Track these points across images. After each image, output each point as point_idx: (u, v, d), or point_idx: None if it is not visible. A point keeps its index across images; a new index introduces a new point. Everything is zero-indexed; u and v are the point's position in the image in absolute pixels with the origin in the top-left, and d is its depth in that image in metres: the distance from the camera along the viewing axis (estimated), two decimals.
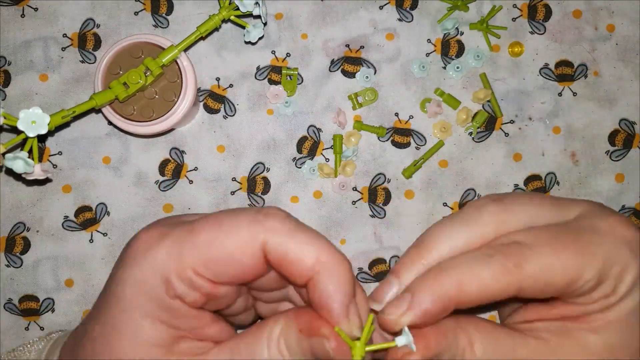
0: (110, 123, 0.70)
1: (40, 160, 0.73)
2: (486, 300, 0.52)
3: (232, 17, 0.69)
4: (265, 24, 0.72)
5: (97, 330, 0.54)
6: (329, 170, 0.73)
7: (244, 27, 0.70)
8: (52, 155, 0.74)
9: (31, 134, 0.59)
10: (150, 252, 0.52)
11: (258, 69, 0.74)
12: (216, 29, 0.71)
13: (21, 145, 0.61)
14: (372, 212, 0.74)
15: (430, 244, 0.56)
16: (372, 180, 0.74)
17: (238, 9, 0.68)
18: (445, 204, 0.74)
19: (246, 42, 0.74)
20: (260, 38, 0.72)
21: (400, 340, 0.51)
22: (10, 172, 0.64)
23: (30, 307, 0.73)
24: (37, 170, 0.62)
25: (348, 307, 0.51)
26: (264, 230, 0.51)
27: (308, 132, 0.74)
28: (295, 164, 0.74)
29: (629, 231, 0.54)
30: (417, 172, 0.74)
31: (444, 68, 0.75)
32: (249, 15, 0.69)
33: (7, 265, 0.73)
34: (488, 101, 0.74)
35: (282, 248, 0.51)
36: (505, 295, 0.52)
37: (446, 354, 0.53)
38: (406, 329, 0.51)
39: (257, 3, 0.68)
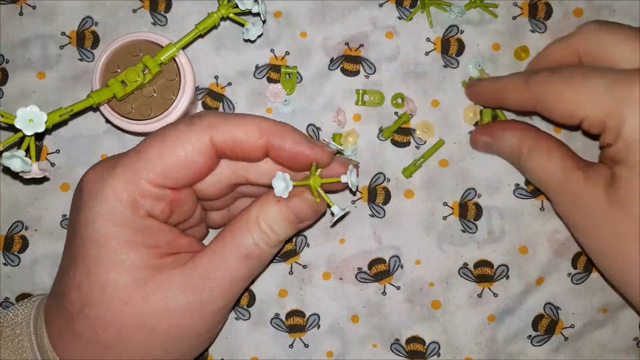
0: (108, 121, 0.70)
1: (38, 158, 0.73)
2: (515, 105, 0.68)
3: (231, 15, 0.69)
4: (264, 22, 0.72)
5: (78, 276, 0.57)
6: None
7: (242, 25, 0.70)
8: (50, 153, 0.73)
9: (28, 133, 0.59)
10: (108, 184, 0.56)
11: (257, 67, 0.74)
12: (215, 27, 0.71)
13: (18, 143, 0.61)
14: (372, 211, 0.73)
15: (538, 60, 0.72)
16: (372, 179, 0.73)
17: (237, 6, 0.68)
18: (445, 204, 0.73)
19: (245, 40, 0.74)
20: (259, 36, 0.71)
21: (344, 178, 0.61)
22: (7, 170, 0.63)
23: None
24: (34, 169, 0.62)
25: (313, 143, 0.59)
26: (206, 128, 0.56)
27: (307, 131, 0.74)
28: None
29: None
30: (417, 171, 0.73)
31: (444, 66, 0.74)
32: (248, 13, 0.68)
33: (5, 264, 0.73)
34: None
35: (228, 135, 0.57)
36: (524, 105, 0.66)
37: (505, 149, 0.71)
38: (352, 170, 0.61)
39: (256, 1, 0.67)
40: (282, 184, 0.58)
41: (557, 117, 0.62)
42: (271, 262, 0.72)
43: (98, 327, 0.56)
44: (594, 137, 0.72)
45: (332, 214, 0.61)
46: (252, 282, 0.72)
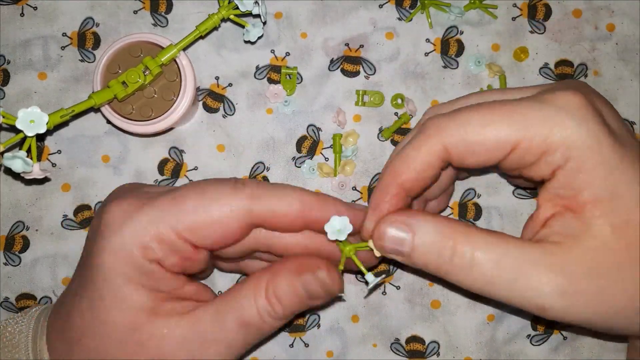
0: (109, 122, 0.70)
1: (39, 159, 0.73)
2: (422, 170, 0.55)
3: (232, 16, 0.69)
4: (264, 23, 0.72)
5: (84, 303, 0.56)
6: (328, 170, 0.73)
7: (243, 26, 0.70)
8: (51, 154, 0.74)
9: (30, 133, 0.59)
10: (131, 220, 0.54)
11: (257, 68, 0.74)
12: (215, 28, 0.71)
13: (20, 144, 0.61)
14: None
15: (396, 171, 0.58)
16: (372, 179, 0.74)
17: (237, 8, 0.68)
18: None
19: (245, 42, 0.74)
20: (259, 37, 0.71)
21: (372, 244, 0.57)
22: (9, 171, 0.64)
23: (27, 305, 0.73)
24: (35, 170, 0.62)
25: (356, 209, 0.58)
26: (248, 197, 0.55)
27: (307, 132, 0.74)
28: (295, 164, 0.74)
29: (575, 98, 0.52)
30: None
31: (444, 67, 0.74)
32: (249, 14, 0.69)
33: (5, 264, 0.73)
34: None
35: (269, 206, 0.55)
36: (435, 160, 0.55)
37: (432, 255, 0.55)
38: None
39: (256, 2, 0.67)
40: (337, 224, 0.56)
41: (480, 153, 0.54)
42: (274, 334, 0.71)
43: (94, 358, 0.56)
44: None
45: (367, 283, 0.58)
46: (252, 349, 0.72)
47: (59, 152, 0.74)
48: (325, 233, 0.56)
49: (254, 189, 0.56)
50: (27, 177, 0.62)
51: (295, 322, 0.73)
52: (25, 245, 0.73)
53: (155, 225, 0.54)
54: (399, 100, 0.74)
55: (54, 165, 0.73)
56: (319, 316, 0.73)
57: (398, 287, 0.73)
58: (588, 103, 0.52)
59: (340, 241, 0.57)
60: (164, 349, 0.55)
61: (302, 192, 0.57)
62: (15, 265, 0.73)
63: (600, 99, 0.57)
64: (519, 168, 0.55)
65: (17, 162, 0.59)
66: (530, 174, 0.54)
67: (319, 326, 0.73)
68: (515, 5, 0.75)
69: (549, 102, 0.52)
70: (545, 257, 0.52)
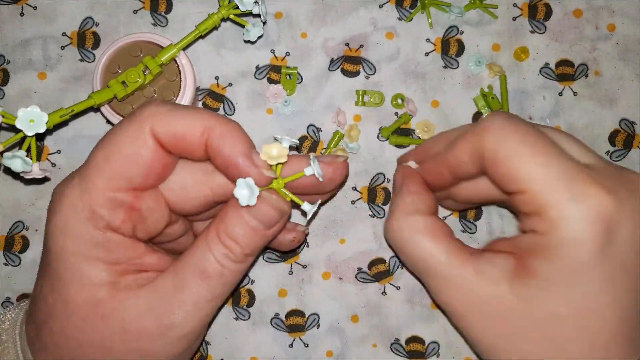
0: (108, 122, 0.70)
1: (39, 159, 0.73)
2: (461, 163, 0.58)
3: (232, 16, 0.69)
4: (264, 23, 0.72)
5: (45, 287, 0.56)
6: None
7: (243, 26, 0.70)
8: (50, 154, 0.74)
9: (29, 133, 0.59)
10: (65, 196, 0.55)
11: (257, 68, 0.74)
12: (215, 28, 0.71)
13: (19, 144, 0.61)
14: (372, 211, 0.73)
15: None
16: (372, 179, 0.74)
17: (237, 7, 0.68)
18: None
19: (245, 41, 0.74)
20: (259, 37, 0.71)
21: (308, 170, 0.56)
22: (8, 171, 0.63)
23: None
24: (35, 169, 0.62)
25: (250, 156, 0.55)
26: (146, 119, 0.54)
27: (307, 132, 0.74)
28: None
29: (599, 196, 0.52)
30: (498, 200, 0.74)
31: (444, 67, 0.74)
32: (249, 14, 0.69)
33: (6, 264, 0.73)
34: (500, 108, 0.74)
35: (170, 127, 0.54)
36: (472, 159, 0.57)
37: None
38: (314, 159, 0.56)
39: (256, 2, 0.68)
40: (245, 191, 0.54)
41: (496, 173, 0.55)
42: (243, 278, 0.70)
43: (60, 341, 0.56)
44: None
45: (305, 214, 0.58)
46: (225, 303, 0.71)
47: (59, 152, 0.74)
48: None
49: (154, 108, 0.55)
50: (27, 176, 0.62)
51: (295, 322, 0.73)
52: (25, 245, 0.73)
53: (86, 191, 0.54)
54: (399, 100, 0.74)
55: (53, 165, 0.73)
56: (318, 316, 0.73)
57: (398, 288, 0.73)
58: (613, 212, 0.52)
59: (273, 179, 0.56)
60: (129, 319, 0.55)
61: (207, 115, 0.55)
62: (15, 266, 0.73)
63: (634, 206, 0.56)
64: (517, 208, 0.57)
65: (17, 161, 0.59)
66: (520, 219, 0.57)
67: (318, 326, 0.73)
68: (515, 5, 0.75)
69: (578, 185, 0.53)
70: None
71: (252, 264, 0.72)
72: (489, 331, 0.57)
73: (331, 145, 0.73)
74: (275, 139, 0.56)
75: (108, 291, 0.55)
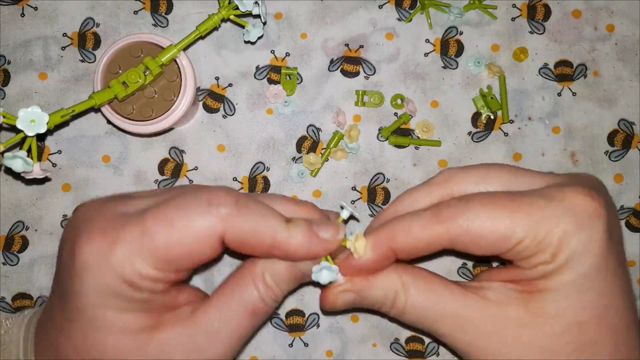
0: (109, 122, 0.70)
1: (40, 159, 0.73)
2: (422, 248, 0.57)
3: (232, 17, 0.69)
4: (264, 24, 0.72)
5: (74, 336, 0.55)
6: (314, 160, 0.73)
7: (243, 27, 0.70)
8: (51, 154, 0.74)
9: (30, 133, 0.59)
10: (107, 262, 0.53)
11: (257, 68, 0.74)
12: (216, 29, 0.71)
13: (20, 144, 0.61)
14: (371, 211, 0.74)
15: (397, 206, 0.62)
16: (371, 180, 0.74)
17: (237, 8, 0.68)
18: None
19: (246, 42, 0.74)
20: (259, 37, 0.71)
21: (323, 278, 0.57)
22: (9, 171, 0.64)
23: (24, 305, 0.73)
24: (36, 169, 0.62)
25: (321, 243, 0.56)
26: (219, 222, 0.53)
27: (307, 132, 0.74)
28: (295, 164, 0.74)
29: (582, 201, 0.53)
30: (416, 172, 0.73)
31: (444, 67, 0.75)
32: (249, 14, 0.69)
33: (4, 263, 0.73)
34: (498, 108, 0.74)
35: (240, 235, 0.54)
36: (438, 244, 0.56)
37: (377, 294, 0.59)
38: (330, 264, 0.57)
39: (256, 2, 0.68)
40: (327, 276, 0.57)
41: (482, 246, 0.55)
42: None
43: None
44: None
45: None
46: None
47: (60, 152, 0.74)
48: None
49: (228, 209, 0.54)
50: (28, 176, 0.62)
51: (295, 321, 0.73)
52: (24, 245, 0.73)
53: (132, 264, 0.53)
54: (399, 101, 0.74)
55: (54, 165, 0.73)
56: (318, 316, 0.73)
57: None
58: (598, 209, 0.54)
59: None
60: (172, 357, 0.55)
61: (275, 225, 0.55)
62: (13, 265, 0.73)
63: (609, 199, 0.57)
64: (514, 259, 0.56)
65: (18, 161, 0.59)
66: (520, 263, 0.56)
67: (318, 326, 0.73)
68: (514, 6, 0.75)
69: (556, 200, 0.54)
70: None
71: None
72: (512, 355, 0.56)
73: (331, 146, 0.73)
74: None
75: (149, 334, 0.55)
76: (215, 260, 0.72)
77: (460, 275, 0.73)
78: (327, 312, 0.71)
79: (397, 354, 0.73)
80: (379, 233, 0.57)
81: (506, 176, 0.58)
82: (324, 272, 0.57)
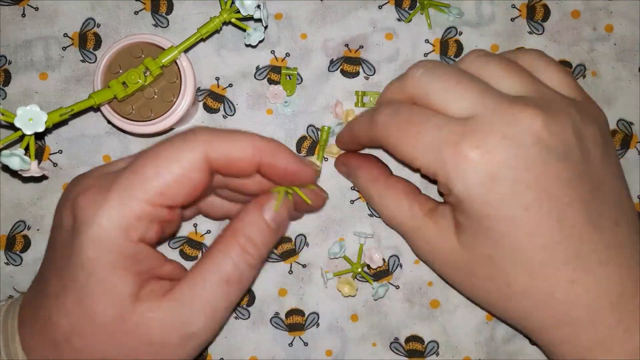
0: (109, 122, 0.70)
1: (40, 159, 0.73)
2: (362, 141, 0.67)
3: (233, 20, 0.69)
4: (266, 28, 0.72)
5: (69, 302, 0.56)
6: (315, 161, 0.73)
7: (244, 30, 0.71)
8: (52, 153, 0.74)
9: (28, 132, 0.60)
10: (102, 210, 0.54)
11: (257, 68, 0.75)
12: (217, 31, 0.71)
13: (18, 142, 0.62)
14: (371, 211, 0.74)
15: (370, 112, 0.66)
16: None
17: (239, 11, 0.68)
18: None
19: (246, 45, 0.74)
20: (260, 41, 0.72)
21: None
22: (6, 169, 0.64)
23: None
24: (33, 168, 0.62)
25: (302, 161, 0.61)
26: (201, 144, 0.56)
27: (307, 132, 0.74)
28: None
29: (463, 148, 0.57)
30: (416, 172, 0.74)
31: None
32: (250, 18, 0.69)
33: (7, 263, 0.74)
34: None
35: (222, 151, 0.56)
36: (372, 142, 0.65)
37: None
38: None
39: (258, 6, 0.68)
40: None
41: (399, 159, 0.62)
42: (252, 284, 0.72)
43: (84, 357, 0.56)
44: None
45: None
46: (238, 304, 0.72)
47: (60, 152, 0.74)
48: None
49: (206, 135, 0.57)
50: (25, 175, 0.62)
51: (295, 321, 0.73)
52: (27, 244, 0.74)
53: (127, 205, 0.55)
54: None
55: (55, 165, 0.74)
56: (318, 315, 0.73)
57: (397, 287, 0.73)
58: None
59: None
60: (152, 332, 0.56)
61: (254, 137, 0.58)
62: (17, 265, 0.74)
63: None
64: None
65: (15, 159, 0.59)
66: None
67: (318, 325, 0.73)
68: (514, 6, 0.75)
69: (449, 145, 0.58)
70: None
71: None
72: (451, 278, 0.65)
73: (321, 143, 0.73)
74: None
75: (131, 304, 0.55)
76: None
77: None
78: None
79: (396, 353, 0.73)
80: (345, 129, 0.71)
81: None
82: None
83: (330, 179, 0.74)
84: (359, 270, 0.72)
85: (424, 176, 0.73)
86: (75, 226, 0.55)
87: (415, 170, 0.65)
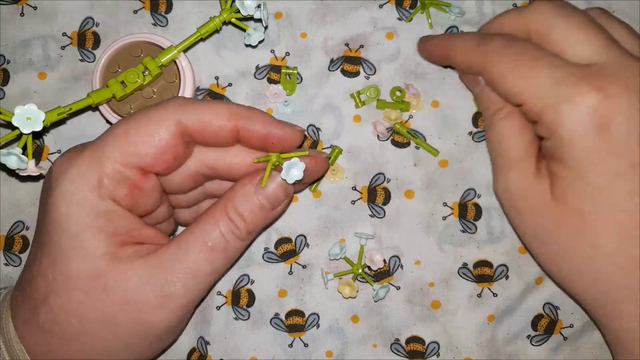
0: (108, 122, 0.70)
1: (39, 159, 0.73)
2: (462, 66, 0.67)
3: (233, 20, 0.69)
4: (266, 28, 0.72)
5: (44, 262, 0.56)
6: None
7: (244, 30, 0.70)
8: (51, 153, 0.74)
9: (26, 131, 0.59)
10: (74, 164, 0.56)
11: (257, 68, 0.74)
12: (216, 31, 0.71)
13: (16, 141, 0.61)
14: (372, 211, 0.73)
15: (486, 28, 0.69)
16: (372, 179, 0.74)
17: (239, 11, 0.68)
18: (445, 204, 0.73)
19: (246, 45, 0.74)
20: (260, 41, 0.72)
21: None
22: (4, 167, 0.64)
23: None
24: (30, 167, 0.62)
25: (281, 125, 0.60)
26: (174, 108, 0.57)
27: (307, 132, 0.74)
28: None
29: (587, 97, 0.56)
30: (417, 172, 0.73)
31: (444, 67, 0.74)
32: (250, 18, 0.69)
33: (6, 264, 0.73)
34: None
35: (196, 116, 0.57)
36: (474, 69, 0.65)
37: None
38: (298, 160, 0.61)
39: (258, 6, 0.67)
40: (296, 171, 0.59)
41: (498, 90, 0.62)
42: (239, 257, 0.69)
43: (60, 318, 0.56)
44: None
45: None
46: (220, 278, 0.70)
47: (59, 151, 0.74)
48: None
49: (180, 100, 0.58)
50: (22, 174, 0.62)
51: (295, 322, 0.73)
52: (25, 245, 0.73)
53: (97, 160, 0.56)
54: (398, 93, 0.73)
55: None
56: (318, 316, 0.73)
57: (398, 288, 0.73)
58: (600, 105, 0.56)
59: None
60: (130, 289, 0.56)
61: (229, 104, 0.59)
62: (16, 266, 0.73)
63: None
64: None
65: (12, 158, 0.59)
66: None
67: (318, 326, 0.73)
68: (515, 5, 0.75)
69: (568, 89, 0.57)
70: None
71: (252, 264, 0.72)
72: (534, 233, 0.63)
73: (330, 163, 0.73)
74: None
75: (109, 262, 0.56)
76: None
77: (460, 275, 0.72)
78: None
79: (397, 354, 0.72)
80: (440, 39, 0.70)
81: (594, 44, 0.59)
82: (293, 171, 0.59)
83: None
84: (360, 271, 0.72)
85: None
86: (50, 184, 0.57)
87: (516, 105, 0.62)
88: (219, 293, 0.73)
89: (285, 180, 0.60)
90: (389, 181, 0.73)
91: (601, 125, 0.55)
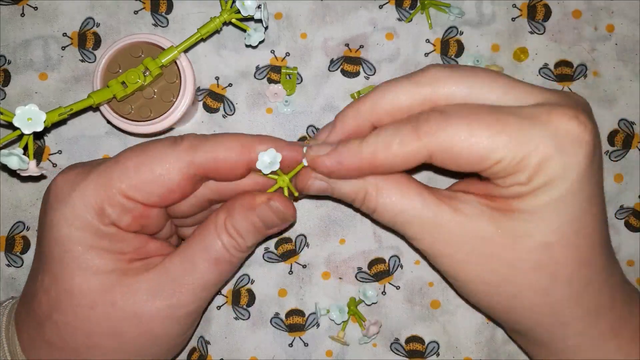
0: (109, 122, 0.70)
1: (40, 159, 0.73)
2: (401, 165, 0.56)
3: (233, 20, 0.69)
4: (266, 28, 0.72)
5: (47, 279, 0.56)
6: None
7: (244, 30, 0.70)
8: (51, 154, 0.74)
9: (27, 131, 0.59)
10: (78, 189, 0.55)
11: (257, 68, 0.74)
12: (217, 31, 0.71)
13: (17, 141, 0.61)
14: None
15: (377, 98, 0.58)
16: None
17: (239, 12, 0.68)
18: None
19: (247, 46, 0.74)
20: (260, 42, 0.72)
21: (305, 162, 0.59)
22: (5, 168, 0.64)
23: None
24: (31, 167, 0.62)
25: (294, 145, 0.59)
26: (187, 149, 0.56)
27: (307, 132, 0.74)
28: None
29: (567, 125, 0.52)
30: (417, 172, 0.73)
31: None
32: (250, 18, 0.69)
33: (8, 265, 0.73)
34: None
35: (210, 153, 0.56)
36: (417, 160, 0.55)
37: (346, 189, 0.59)
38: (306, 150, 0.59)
39: (258, 6, 0.67)
40: (267, 158, 0.58)
41: (461, 163, 0.54)
42: (242, 264, 0.71)
43: (66, 333, 0.57)
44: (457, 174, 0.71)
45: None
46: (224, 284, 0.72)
47: (60, 152, 0.74)
48: (259, 172, 0.59)
49: (192, 140, 0.57)
50: (23, 174, 0.62)
51: (295, 321, 0.73)
52: (26, 245, 0.74)
53: (102, 189, 0.56)
54: None
55: (54, 165, 0.74)
56: (318, 316, 0.73)
57: (398, 287, 0.73)
58: (582, 134, 0.53)
59: (276, 174, 0.60)
60: (140, 301, 0.56)
61: (239, 135, 0.58)
62: (17, 267, 0.74)
63: (594, 123, 0.56)
64: (491, 177, 0.55)
65: (13, 159, 0.59)
66: (497, 182, 0.55)
67: (318, 325, 0.73)
68: (514, 6, 0.75)
69: (541, 122, 0.53)
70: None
71: (252, 264, 0.72)
72: (476, 268, 0.57)
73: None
74: None
75: (118, 277, 0.56)
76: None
77: None
78: (299, 196, 0.70)
79: (397, 353, 0.73)
80: (361, 152, 0.56)
81: (500, 89, 0.55)
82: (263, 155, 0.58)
83: None
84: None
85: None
86: (50, 203, 0.57)
87: (485, 168, 0.55)
88: (219, 293, 0.73)
89: (261, 170, 0.59)
90: None
91: (592, 152, 0.53)
